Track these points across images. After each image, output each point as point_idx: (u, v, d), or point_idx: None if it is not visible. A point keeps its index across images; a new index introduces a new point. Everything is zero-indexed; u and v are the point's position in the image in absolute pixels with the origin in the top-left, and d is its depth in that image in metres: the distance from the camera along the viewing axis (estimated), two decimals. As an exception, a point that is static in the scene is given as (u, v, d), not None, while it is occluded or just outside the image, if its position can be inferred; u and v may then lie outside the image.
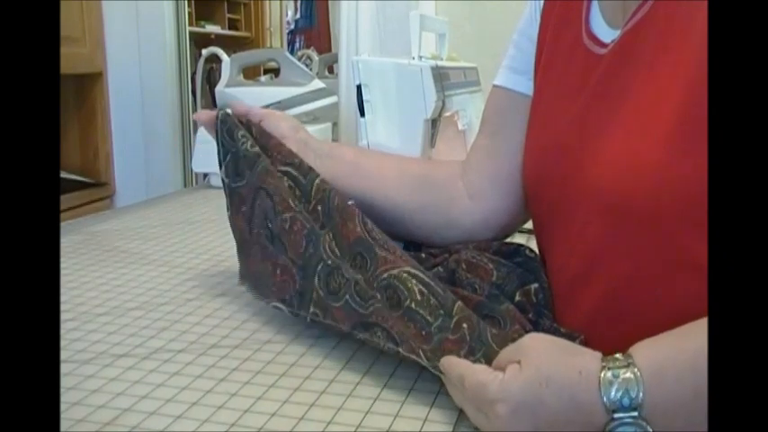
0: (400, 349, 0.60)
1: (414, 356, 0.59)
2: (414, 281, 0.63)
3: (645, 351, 0.51)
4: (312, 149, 0.84)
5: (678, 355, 0.50)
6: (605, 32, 0.69)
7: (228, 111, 0.81)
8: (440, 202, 0.84)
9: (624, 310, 0.62)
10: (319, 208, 0.73)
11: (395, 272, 0.64)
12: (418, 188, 0.85)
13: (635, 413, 0.48)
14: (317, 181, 0.74)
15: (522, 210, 0.82)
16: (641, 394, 0.48)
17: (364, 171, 0.86)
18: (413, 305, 0.61)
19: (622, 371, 0.49)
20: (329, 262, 0.66)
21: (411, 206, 0.84)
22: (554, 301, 0.72)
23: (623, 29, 0.65)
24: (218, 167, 0.79)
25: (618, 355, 0.51)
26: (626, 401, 0.48)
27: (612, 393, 0.48)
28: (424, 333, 0.60)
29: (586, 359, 0.51)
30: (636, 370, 0.49)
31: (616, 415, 0.48)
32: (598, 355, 0.52)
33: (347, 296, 0.64)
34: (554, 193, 0.70)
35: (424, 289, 0.62)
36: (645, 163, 0.58)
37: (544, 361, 0.51)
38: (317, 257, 0.67)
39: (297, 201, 0.73)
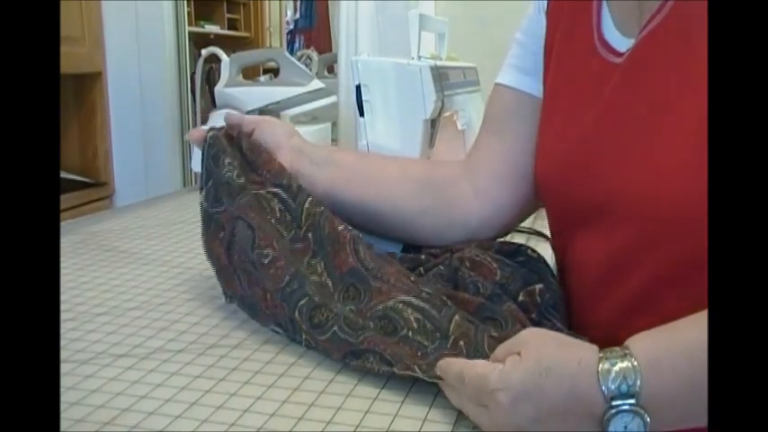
0: (395, 369, 0.59)
1: (410, 373, 0.59)
2: (409, 310, 0.63)
3: (641, 343, 0.51)
4: (307, 156, 0.83)
5: (674, 346, 0.50)
6: (618, 40, 0.69)
7: (218, 133, 0.79)
8: (442, 204, 0.83)
9: (651, 309, 0.63)
10: (310, 235, 0.72)
11: (390, 303, 0.64)
12: (420, 191, 0.84)
13: (632, 400, 0.49)
14: (307, 204, 0.73)
15: (525, 207, 0.83)
16: (639, 382, 0.49)
17: (364, 176, 0.85)
18: (409, 333, 0.62)
19: (620, 360, 0.50)
20: (316, 299, 0.66)
21: (413, 210, 0.83)
22: (575, 302, 0.72)
23: (640, 35, 0.65)
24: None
25: (615, 348, 0.51)
26: (624, 389, 0.49)
27: (610, 382, 0.49)
28: (420, 354, 0.61)
29: (584, 350, 0.52)
30: (633, 360, 0.50)
31: (614, 402, 0.49)
32: (595, 347, 0.52)
33: (335, 328, 0.64)
34: (577, 198, 0.71)
35: (419, 316, 0.63)
36: (670, 167, 0.59)
37: (543, 352, 0.52)
38: (300, 293, 0.66)
39: (285, 229, 0.72)
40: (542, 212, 1.22)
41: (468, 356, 0.59)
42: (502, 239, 0.82)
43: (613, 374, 0.49)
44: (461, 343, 0.60)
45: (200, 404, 0.58)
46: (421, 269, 0.75)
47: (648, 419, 0.49)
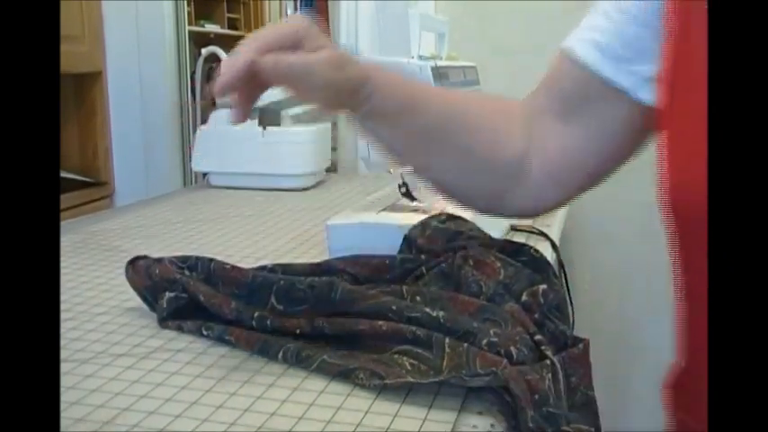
0: (387, 381, 0.59)
1: (402, 381, 0.59)
2: (404, 357, 0.63)
3: None
4: (381, 111, 0.67)
5: None
6: None
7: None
8: (502, 187, 0.73)
9: None
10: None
11: (386, 355, 0.64)
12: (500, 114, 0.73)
13: None
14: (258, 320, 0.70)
15: (562, 204, 0.75)
16: None
17: (448, 139, 0.71)
18: (403, 372, 0.62)
19: None
20: (305, 349, 0.65)
21: (481, 192, 0.74)
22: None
23: None
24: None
25: None
26: None
27: None
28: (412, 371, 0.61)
29: None
30: None
31: None
32: None
33: (324, 356, 0.63)
34: None
35: (414, 361, 0.62)
36: None
37: None
38: (285, 341, 0.66)
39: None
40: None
41: (461, 381, 0.58)
42: (504, 239, 0.82)
43: None
44: (453, 372, 0.60)
45: (201, 403, 0.58)
46: (423, 268, 0.75)
47: None
